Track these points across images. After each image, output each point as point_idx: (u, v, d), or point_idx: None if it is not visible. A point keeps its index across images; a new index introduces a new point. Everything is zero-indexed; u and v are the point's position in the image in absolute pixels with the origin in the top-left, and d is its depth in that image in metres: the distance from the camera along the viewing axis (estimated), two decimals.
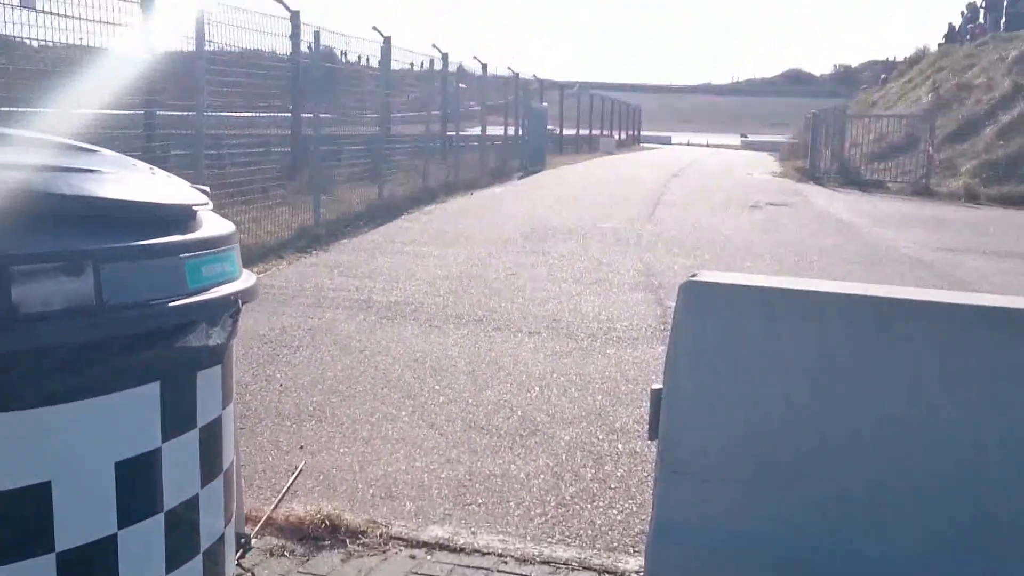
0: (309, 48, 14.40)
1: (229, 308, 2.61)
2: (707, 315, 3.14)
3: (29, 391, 2.12)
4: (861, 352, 2.99)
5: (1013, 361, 2.87)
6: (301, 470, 4.56)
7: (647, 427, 5.26)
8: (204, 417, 2.65)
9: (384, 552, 3.78)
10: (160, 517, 2.49)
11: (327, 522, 3.92)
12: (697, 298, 3.16)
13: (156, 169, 2.96)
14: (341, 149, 15.97)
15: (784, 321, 3.11)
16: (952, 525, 2.93)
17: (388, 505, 4.23)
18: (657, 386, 3.32)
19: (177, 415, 2.50)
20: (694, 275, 3.24)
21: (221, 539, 2.87)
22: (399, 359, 6.57)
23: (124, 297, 2.26)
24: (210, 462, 2.72)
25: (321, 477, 4.53)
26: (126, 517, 2.39)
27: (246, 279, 2.77)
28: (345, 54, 17.32)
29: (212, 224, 2.73)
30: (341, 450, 4.88)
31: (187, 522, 2.63)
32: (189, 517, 2.63)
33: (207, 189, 2.83)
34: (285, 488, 4.31)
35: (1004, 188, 21.97)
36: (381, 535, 3.89)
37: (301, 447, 4.89)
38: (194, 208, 2.63)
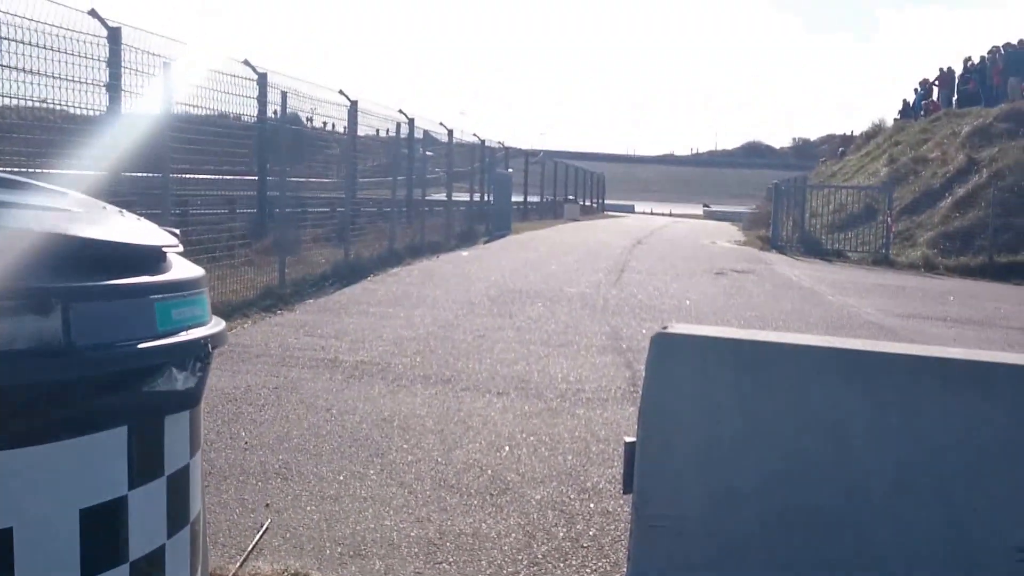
0: (275, 113, 14.44)
1: (199, 352, 2.53)
2: (678, 367, 3.10)
3: None
4: (833, 404, 2.95)
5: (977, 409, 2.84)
6: (267, 528, 4.43)
7: (621, 484, 5.23)
8: (172, 465, 2.55)
9: None
10: (125, 568, 2.37)
11: None
12: (669, 350, 3.12)
13: (125, 212, 2.89)
14: (307, 211, 15.94)
15: (756, 373, 3.08)
16: None
17: (357, 564, 4.11)
18: (630, 439, 3.27)
19: (144, 462, 2.39)
20: (665, 327, 3.20)
21: None
22: (366, 418, 6.45)
23: (92, 338, 2.17)
24: (177, 512, 2.61)
25: (288, 535, 4.40)
26: (90, 567, 2.27)
27: (215, 324, 2.69)
28: (311, 119, 17.40)
29: (182, 267, 2.66)
30: (308, 508, 4.75)
31: (153, 574, 2.51)
32: (155, 569, 2.51)
33: (177, 232, 2.76)
34: (251, 546, 4.18)
35: (961, 259, 22.29)
36: None
37: (267, 505, 4.76)
38: (163, 249, 2.55)
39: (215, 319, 2.76)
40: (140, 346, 2.28)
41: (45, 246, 2.22)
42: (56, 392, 2.12)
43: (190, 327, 2.52)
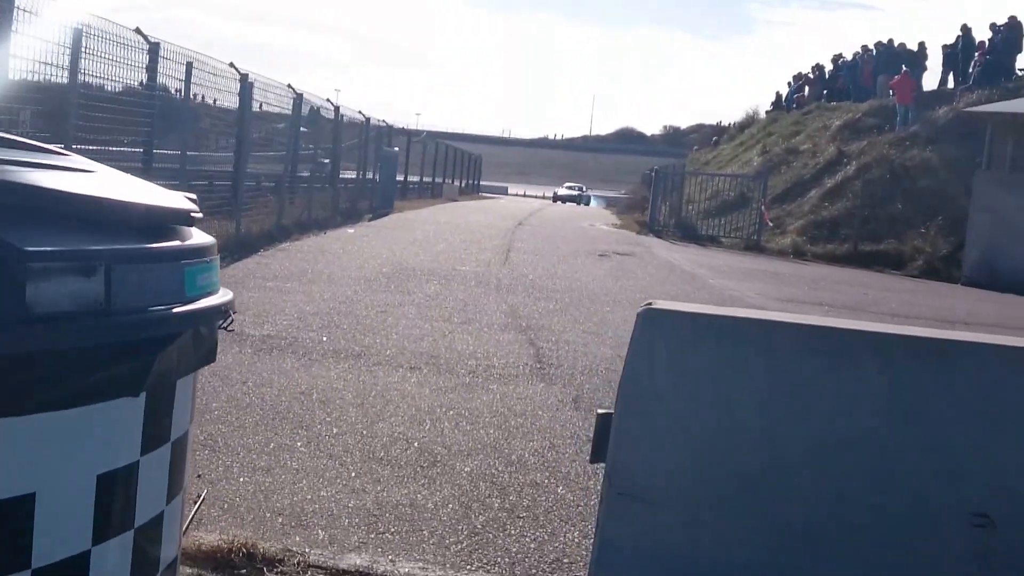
0: (178, 91, 14.15)
1: (220, 318, 2.57)
2: (662, 342, 3.25)
3: (29, 396, 2.03)
4: (811, 381, 3.16)
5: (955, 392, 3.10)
6: (203, 499, 4.44)
7: (544, 456, 5.41)
8: (176, 431, 2.57)
9: None
10: (131, 535, 2.40)
11: (243, 550, 3.83)
12: (653, 326, 3.26)
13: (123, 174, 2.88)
14: (192, 184, 15.62)
15: (734, 348, 3.25)
16: (892, 556, 3.12)
17: (300, 534, 4.16)
18: (603, 411, 3.41)
19: (155, 428, 2.42)
20: (649, 303, 3.35)
21: (174, 563, 2.79)
22: (284, 391, 6.46)
23: (131, 301, 2.17)
24: (175, 479, 2.64)
25: (225, 506, 4.41)
26: (100, 533, 2.28)
27: (226, 292, 2.72)
28: (203, 96, 17.01)
29: (199, 233, 2.68)
30: (241, 479, 4.77)
31: (152, 541, 2.54)
32: (155, 535, 2.55)
33: (195, 196, 2.77)
34: (191, 516, 4.19)
35: (828, 246, 23.32)
36: (299, 563, 3.83)
37: (199, 476, 4.76)
38: (192, 215, 2.57)
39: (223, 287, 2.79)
40: (175, 311, 2.30)
41: (86, 208, 2.22)
42: (92, 356, 2.11)
43: (210, 293, 2.55)
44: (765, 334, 3.25)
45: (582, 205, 61.87)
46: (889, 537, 3.10)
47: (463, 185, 55.64)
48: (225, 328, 2.72)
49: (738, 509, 3.18)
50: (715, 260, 20.55)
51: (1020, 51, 29.01)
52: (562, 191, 69.44)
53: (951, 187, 22.72)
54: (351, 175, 27.20)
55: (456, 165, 54.02)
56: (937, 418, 3.09)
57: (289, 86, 19.88)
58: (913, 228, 22.66)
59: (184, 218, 2.56)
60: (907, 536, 3.09)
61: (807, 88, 37.50)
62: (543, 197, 66.14)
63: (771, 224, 25.30)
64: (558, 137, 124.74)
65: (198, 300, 2.43)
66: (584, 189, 73.25)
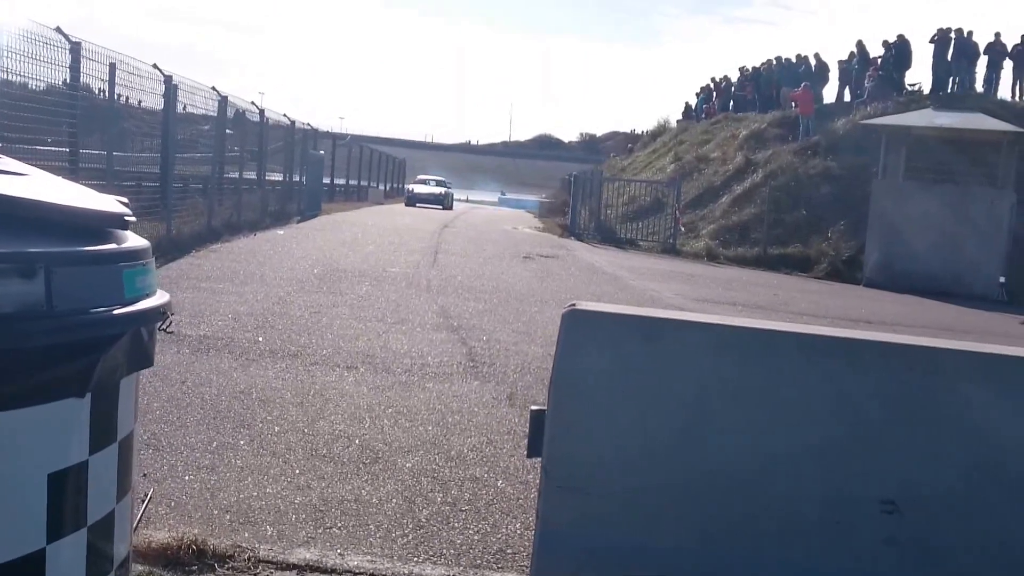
0: (101, 91, 13.71)
1: (160, 319, 2.46)
2: (589, 341, 3.23)
3: None
4: (737, 378, 3.16)
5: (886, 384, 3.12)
6: (151, 497, 4.28)
7: (482, 452, 5.34)
8: (123, 431, 2.48)
9: (255, 575, 3.61)
10: (84, 532, 2.32)
11: (193, 547, 3.71)
12: (578, 326, 3.25)
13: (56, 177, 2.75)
14: (123, 185, 15.18)
15: (656, 346, 3.25)
16: (821, 549, 3.13)
17: (249, 530, 4.05)
18: (536, 407, 3.38)
19: (102, 427, 2.36)
20: (573, 304, 3.33)
21: (126, 560, 2.67)
22: (224, 390, 6.30)
23: (72, 303, 2.12)
24: (123, 478, 2.53)
25: (173, 504, 4.28)
26: (54, 531, 2.21)
27: (163, 293, 2.62)
28: (127, 98, 16.55)
29: (135, 236, 2.56)
30: (186, 478, 4.63)
31: (105, 539, 2.45)
32: (106, 533, 2.44)
33: (126, 200, 2.65)
34: (139, 514, 4.04)
35: (739, 250, 23.65)
36: (249, 559, 3.73)
37: (144, 475, 4.59)
38: (126, 218, 2.46)
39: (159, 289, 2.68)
40: (116, 312, 2.21)
41: (23, 211, 2.12)
42: (37, 357, 2.04)
43: (148, 295, 2.45)
44: (682, 333, 3.25)
45: (444, 209, 41.57)
46: (805, 524, 3.13)
47: (388, 188, 55.23)
48: (164, 329, 2.64)
49: (668, 499, 3.18)
50: (634, 262, 20.70)
51: (909, 67, 29.82)
52: (420, 188, 46.10)
53: (851, 194, 23.21)
54: (278, 177, 26.78)
55: (381, 169, 53.61)
56: (850, 412, 3.12)
57: (213, 88, 19.47)
58: (817, 232, 23.10)
59: (119, 221, 2.47)
60: (821, 522, 3.11)
61: (715, 99, 38.02)
62: (467, 201, 65.78)
63: (684, 229, 25.59)
64: (479, 142, 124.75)
65: (137, 302, 2.34)
66: (449, 185, 49.23)
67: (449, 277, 14.08)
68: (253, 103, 23.90)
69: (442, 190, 45.90)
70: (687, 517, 3.17)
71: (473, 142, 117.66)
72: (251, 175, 23.60)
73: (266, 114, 24.49)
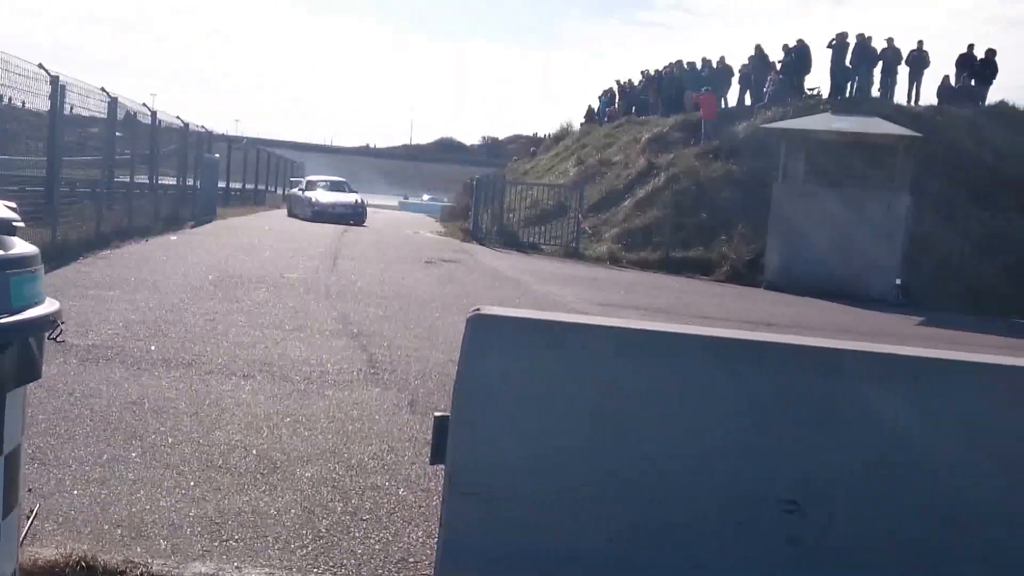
0: None
1: (49, 329, 2.44)
2: (493, 346, 3.30)
3: None
4: (640, 380, 3.26)
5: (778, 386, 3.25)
6: (36, 513, 4.20)
7: (383, 460, 5.36)
8: (8, 444, 2.44)
9: None
10: None
11: (82, 564, 3.66)
12: (482, 331, 3.31)
13: None
14: (5, 189, 14.71)
15: (559, 350, 3.33)
16: (726, 548, 3.25)
17: (141, 544, 4.00)
18: (440, 414, 3.43)
19: None
20: (477, 309, 3.39)
21: None
22: (114, 401, 6.18)
23: None
24: (10, 493, 2.50)
25: (61, 520, 4.20)
26: None
27: (52, 302, 2.59)
28: (10, 99, 16.04)
29: (22, 242, 2.53)
30: (75, 492, 4.54)
31: None
32: None
33: (14, 205, 2.62)
34: (24, 530, 3.96)
35: (642, 253, 24.01)
36: (142, 574, 3.70)
37: (29, 490, 4.49)
38: (14, 224, 2.43)
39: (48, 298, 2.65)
40: (2, 322, 2.18)
41: None
42: None
43: (36, 304, 2.43)
44: (586, 337, 3.34)
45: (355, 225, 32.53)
46: (710, 524, 3.24)
47: (286, 192, 54.52)
48: (54, 339, 2.60)
49: (574, 503, 3.26)
50: (537, 266, 20.88)
51: (809, 71, 30.72)
52: (326, 196, 34.72)
53: (752, 197, 23.76)
54: (172, 181, 26.25)
55: (280, 172, 52.95)
56: (752, 413, 3.25)
57: (103, 89, 19.00)
58: (718, 236, 23.59)
59: (6, 226, 2.44)
60: (726, 522, 3.23)
61: (617, 102, 38.54)
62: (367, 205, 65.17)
63: (589, 231, 25.88)
64: (380, 146, 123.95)
65: (25, 311, 2.32)
66: (356, 190, 39.14)
67: (349, 282, 14.02)
68: (145, 105, 23.41)
69: (355, 197, 35.42)
70: (593, 520, 3.26)
71: (373, 145, 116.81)
72: (143, 179, 23.09)
73: (159, 116, 23.99)
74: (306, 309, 10.96)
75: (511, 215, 28.72)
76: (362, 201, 35.44)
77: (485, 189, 29.98)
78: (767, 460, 3.25)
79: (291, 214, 34.48)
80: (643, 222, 25.57)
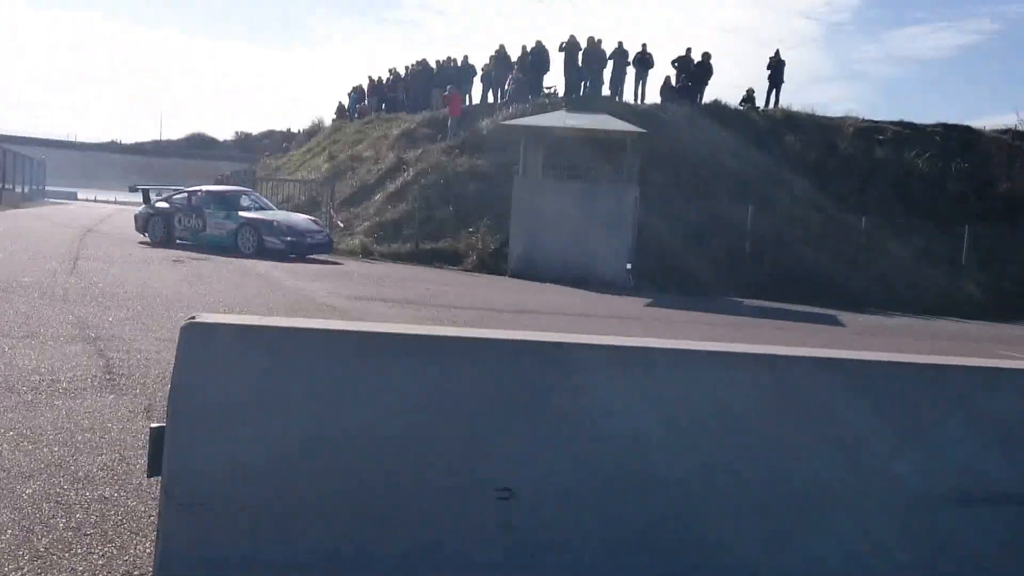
0: None
1: None
2: (209, 354, 3.18)
3: None
4: (350, 381, 3.22)
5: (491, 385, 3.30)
6: None
7: (113, 471, 5.09)
8: None
9: None
10: None
11: None
12: (196, 339, 3.18)
13: None
14: None
15: (283, 357, 3.25)
16: (443, 532, 3.26)
17: None
18: (156, 425, 3.28)
19: None
20: (192, 317, 3.26)
21: None
22: None
23: None
24: None
25: None
26: None
27: None
28: None
29: None
30: None
31: None
32: None
33: None
34: None
35: (393, 246, 24.05)
36: None
37: None
38: None
39: None
40: None
41: None
42: None
43: None
44: (297, 340, 3.29)
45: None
46: (428, 513, 3.27)
47: (26, 191, 50.72)
48: None
49: (293, 510, 3.20)
50: (289, 262, 20.42)
51: (547, 71, 31.70)
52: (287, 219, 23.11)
53: (496, 191, 24.28)
54: None
55: (16, 170, 49.15)
56: (466, 409, 3.30)
57: None
58: (466, 227, 23.96)
59: None
60: (442, 511, 3.26)
61: (366, 99, 38.32)
62: (115, 202, 61.71)
63: (342, 225, 25.60)
64: (128, 141, 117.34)
65: None
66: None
67: (89, 284, 13.19)
68: None
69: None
70: (314, 525, 3.20)
71: (120, 140, 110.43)
72: None
73: None
74: (39, 314, 10.22)
75: None
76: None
77: (238, 185, 29.05)
78: (482, 450, 3.30)
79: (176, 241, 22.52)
80: (394, 216, 25.61)
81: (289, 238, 21.34)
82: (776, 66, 30.55)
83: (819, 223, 23.65)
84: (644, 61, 30.67)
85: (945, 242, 23.00)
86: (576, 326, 13.10)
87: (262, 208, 22.99)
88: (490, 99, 32.47)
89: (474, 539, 3.29)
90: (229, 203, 22.61)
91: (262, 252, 20.87)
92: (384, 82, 38.11)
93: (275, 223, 21.65)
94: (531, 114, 26.18)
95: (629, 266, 21.42)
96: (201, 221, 22.11)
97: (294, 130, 54.19)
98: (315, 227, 22.58)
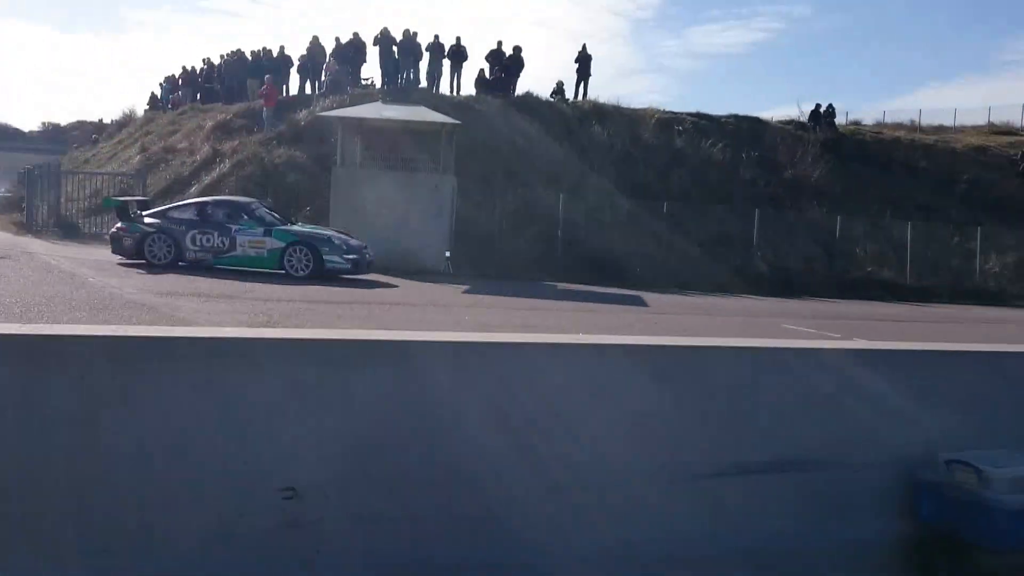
0: None
1: None
2: None
3: None
4: (63, 394, 3.10)
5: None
6: None
7: None
8: None
9: None
10: None
11: None
12: None
13: None
14: None
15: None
16: (211, 531, 3.16)
17: None
18: None
19: None
20: None
21: None
22: None
23: None
24: None
25: None
26: None
27: None
28: None
29: None
30: None
31: None
32: None
33: None
34: None
35: None
36: None
37: None
38: None
39: None
40: None
41: None
42: None
43: None
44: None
45: None
46: (207, 514, 3.17)
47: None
48: None
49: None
50: (98, 257, 19.43)
51: (364, 62, 31.40)
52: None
53: (316, 181, 23.91)
54: None
55: None
56: (238, 412, 3.22)
57: None
58: (287, 219, 23.43)
59: None
60: (222, 513, 3.18)
61: (180, 89, 36.93)
62: None
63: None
64: None
65: None
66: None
67: None
68: None
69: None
70: (73, 533, 3.06)
71: None
72: None
73: None
74: None
75: (71, 205, 26.54)
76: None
77: (39, 179, 27.39)
78: (262, 451, 3.23)
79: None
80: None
81: (352, 256, 17.97)
82: (584, 59, 31.29)
83: (625, 209, 24.40)
84: (459, 54, 30.80)
85: (739, 225, 24.22)
86: (395, 316, 13.04)
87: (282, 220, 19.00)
88: (308, 90, 31.86)
89: (259, 538, 3.21)
90: (259, 217, 18.38)
91: (320, 273, 17.51)
92: (198, 72, 36.79)
93: (333, 239, 18.04)
94: (349, 105, 25.86)
95: (448, 254, 21.51)
96: (226, 239, 17.79)
97: (106, 121, 51.60)
98: (360, 241, 18.78)
